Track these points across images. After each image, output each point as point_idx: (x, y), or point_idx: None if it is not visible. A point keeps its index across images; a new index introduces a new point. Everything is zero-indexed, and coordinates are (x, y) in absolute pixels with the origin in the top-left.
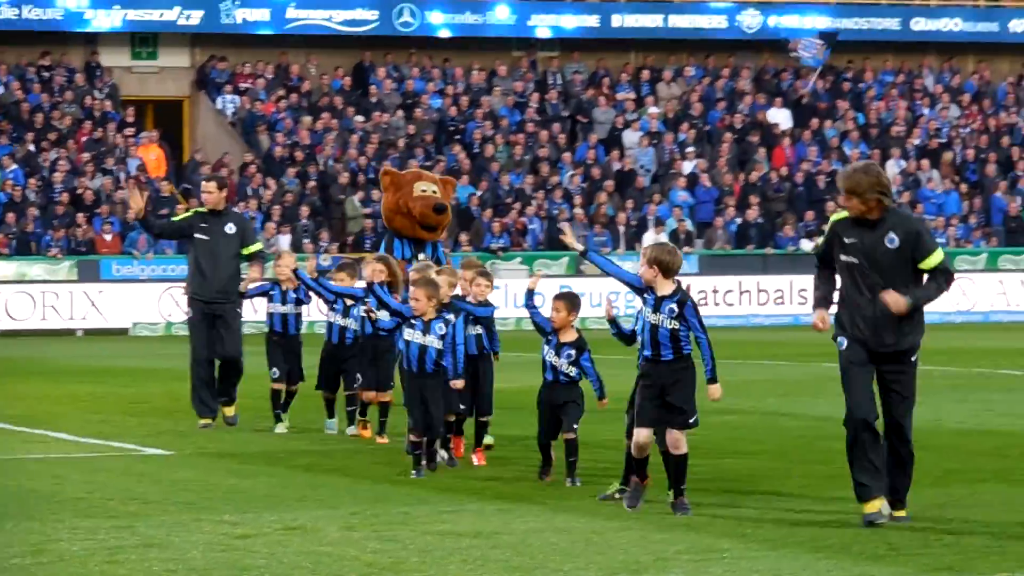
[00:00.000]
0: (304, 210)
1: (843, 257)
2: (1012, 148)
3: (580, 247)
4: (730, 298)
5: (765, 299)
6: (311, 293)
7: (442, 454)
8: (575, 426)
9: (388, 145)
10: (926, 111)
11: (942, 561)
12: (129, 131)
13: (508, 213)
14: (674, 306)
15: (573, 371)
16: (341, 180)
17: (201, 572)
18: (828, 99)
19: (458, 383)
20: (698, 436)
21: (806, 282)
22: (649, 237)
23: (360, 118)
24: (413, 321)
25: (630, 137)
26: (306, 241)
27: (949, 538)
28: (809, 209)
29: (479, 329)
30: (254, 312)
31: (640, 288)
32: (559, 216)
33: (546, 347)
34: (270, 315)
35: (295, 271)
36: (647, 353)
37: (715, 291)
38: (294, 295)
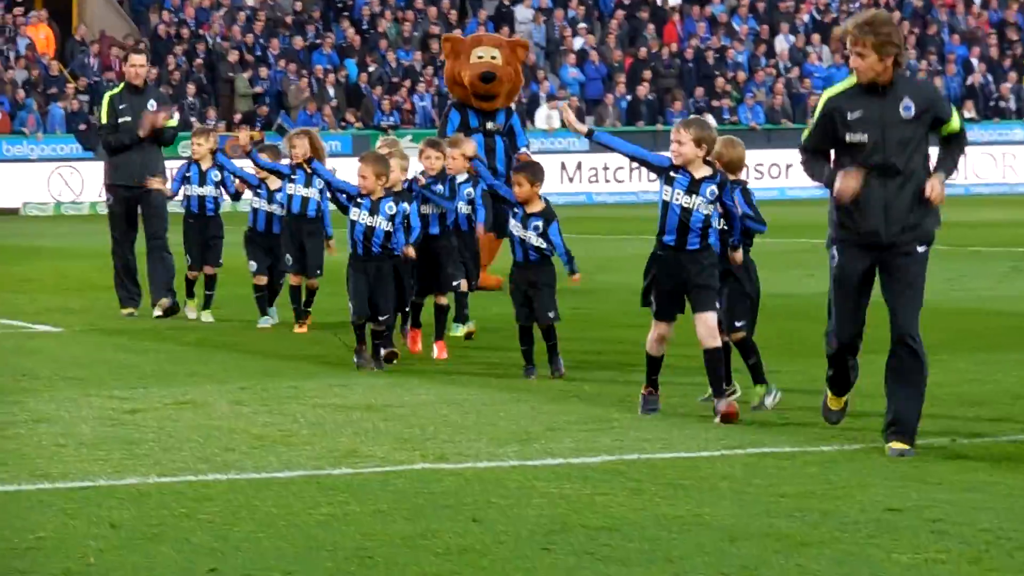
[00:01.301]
0: (191, 88)
1: (849, 136)
2: (903, 22)
3: (583, 127)
4: (620, 175)
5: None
6: (233, 176)
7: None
8: (550, 314)
9: (276, 23)
10: None
11: (829, 432)
12: (18, 10)
13: (398, 91)
14: (714, 188)
15: (543, 244)
16: (230, 58)
17: (91, 446)
18: None
19: (409, 250)
20: (591, 309)
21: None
22: (542, 113)
23: None
24: (360, 200)
25: (521, 13)
26: (192, 119)
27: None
28: (699, 85)
29: (430, 208)
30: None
31: (664, 168)
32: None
33: (512, 220)
34: (187, 197)
35: (214, 152)
36: (668, 239)
37: (606, 168)
38: (214, 176)
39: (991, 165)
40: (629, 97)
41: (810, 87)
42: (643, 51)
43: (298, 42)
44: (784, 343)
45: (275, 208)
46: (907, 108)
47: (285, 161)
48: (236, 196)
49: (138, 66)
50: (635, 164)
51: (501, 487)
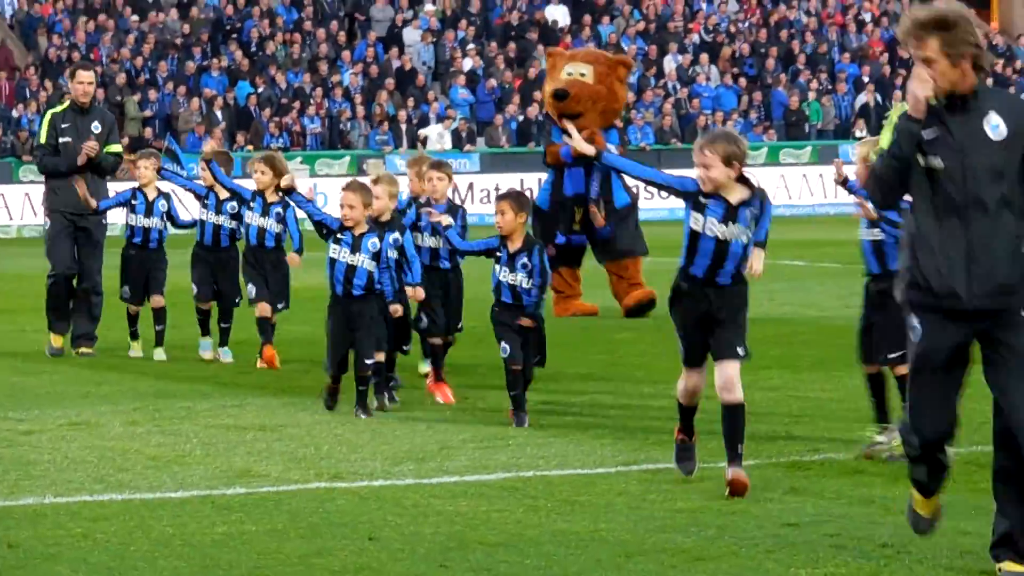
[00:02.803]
0: None
1: (924, 161)
2: (792, 42)
3: (590, 149)
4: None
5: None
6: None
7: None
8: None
9: (165, 45)
10: (704, 5)
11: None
12: None
13: (288, 113)
14: (755, 210)
15: (534, 284)
16: (118, 81)
17: None
18: None
19: (418, 292)
20: (485, 325)
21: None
22: (434, 131)
23: (135, 18)
24: (340, 236)
25: (410, 35)
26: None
27: None
28: None
29: (440, 242)
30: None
31: (692, 193)
32: (340, 115)
33: (497, 266)
34: (130, 227)
35: (159, 170)
36: (696, 271)
37: (497, 189)
38: (161, 206)
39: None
40: (520, 118)
41: (699, 107)
42: (532, 71)
43: (188, 66)
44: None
45: (223, 220)
46: (994, 127)
47: (247, 183)
48: (186, 225)
49: (86, 83)
50: (653, 189)
51: (397, 505)
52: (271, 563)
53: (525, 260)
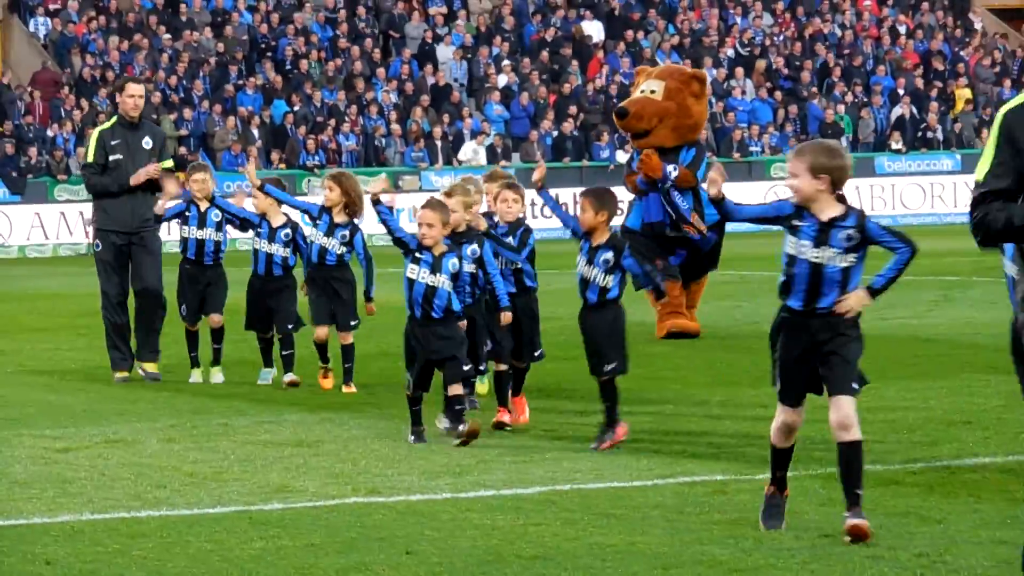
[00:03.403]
0: None
1: None
2: (827, 55)
3: (718, 192)
4: (548, 211)
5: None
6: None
7: (443, 423)
8: (608, 367)
9: (199, 64)
10: (739, 20)
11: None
12: None
13: (323, 130)
14: (852, 230)
15: (610, 281)
16: (154, 100)
17: (23, 485)
18: (640, 10)
19: (507, 315)
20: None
21: (621, 193)
22: (468, 149)
23: (169, 36)
24: (419, 255)
25: (443, 52)
26: None
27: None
28: None
29: (518, 264)
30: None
31: (787, 216)
32: (375, 131)
33: (580, 258)
34: (184, 240)
35: (211, 198)
36: (795, 303)
37: (533, 204)
38: (214, 216)
39: (919, 195)
40: (555, 133)
41: (734, 121)
42: (567, 87)
43: (225, 86)
44: (711, 371)
45: (277, 249)
46: None
47: (314, 199)
48: (244, 226)
49: (136, 97)
50: (763, 225)
51: (434, 519)
52: None
53: (608, 256)
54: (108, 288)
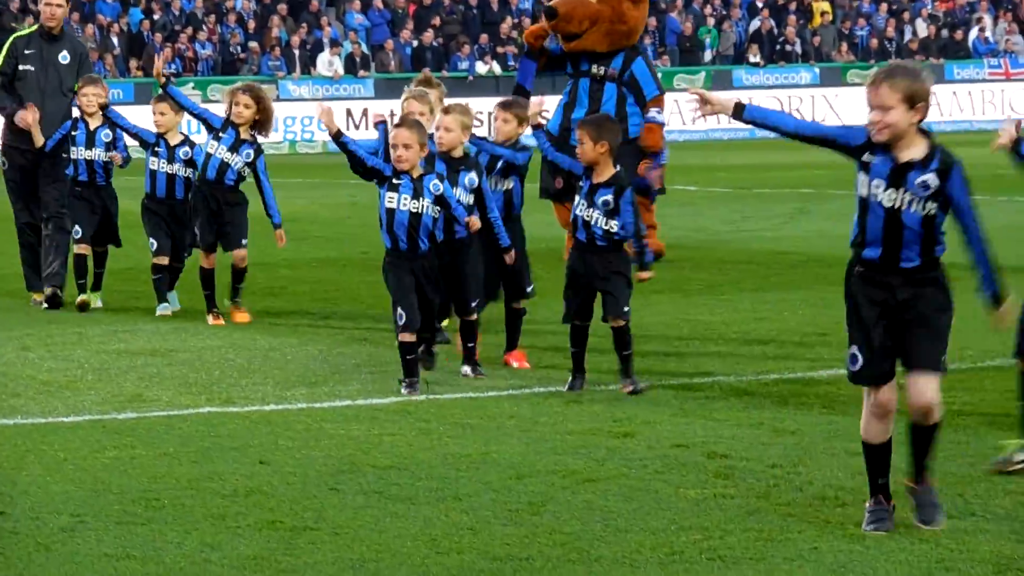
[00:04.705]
0: None
1: None
2: None
3: (728, 102)
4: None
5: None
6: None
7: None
8: (625, 309)
9: None
10: None
11: (614, 371)
12: None
13: (179, 38)
14: (931, 176)
15: (614, 226)
16: (12, 6)
17: None
18: None
19: (511, 255)
20: (379, 253)
21: (483, 104)
22: (323, 59)
23: None
24: (396, 181)
25: None
26: None
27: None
28: (483, 32)
29: (510, 183)
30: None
31: (857, 147)
32: (231, 39)
33: (577, 197)
34: (73, 162)
35: (104, 106)
36: (870, 253)
37: (392, 114)
38: (104, 136)
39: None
40: (414, 43)
41: None
42: None
43: None
44: None
45: (178, 168)
46: None
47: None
48: (125, 162)
49: (54, 5)
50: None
51: (288, 429)
52: (162, 487)
53: (608, 197)
54: (17, 212)
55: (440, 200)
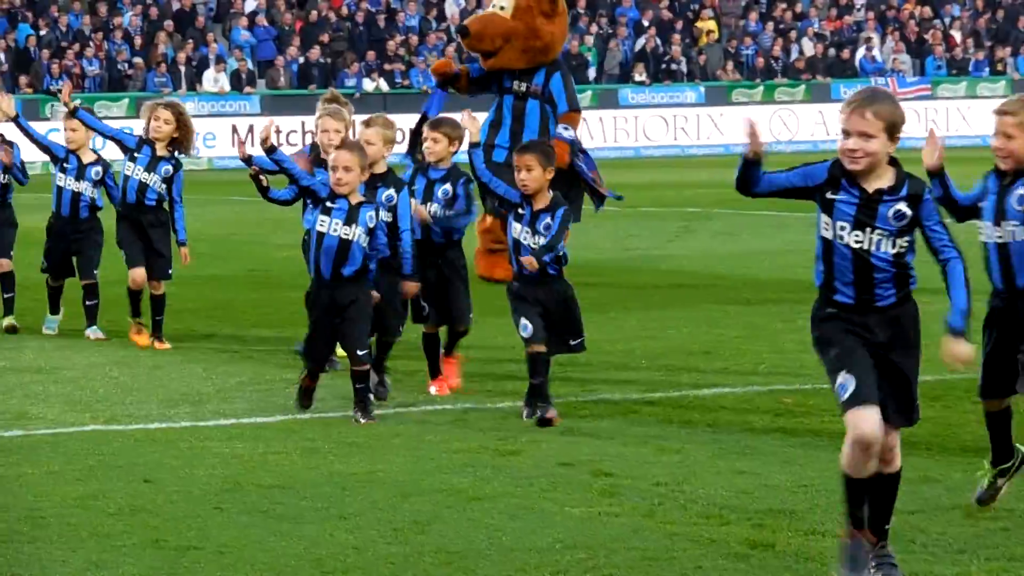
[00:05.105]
0: None
1: None
2: None
3: (758, 149)
4: (294, 138)
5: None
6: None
7: (375, 384)
8: (581, 339)
9: None
10: None
11: (500, 389)
12: None
13: (66, 55)
14: (903, 205)
15: (560, 249)
16: None
17: None
18: None
19: (412, 286)
20: (266, 270)
21: None
22: (210, 76)
23: None
24: (331, 204)
25: None
26: None
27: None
28: (370, 49)
29: (434, 207)
30: None
31: (819, 186)
32: (118, 56)
33: (515, 224)
34: None
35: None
36: (845, 298)
37: (278, 131)
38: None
39: (662, 128)
40: (301, 60)
41: None
42: (313, 14)
43: None
44: None
45: (86, 188)
46: None
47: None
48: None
49: None
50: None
51: (173, 448)
52: (48, 504)
53: (548, 221)
54: None
55: (371, 232)
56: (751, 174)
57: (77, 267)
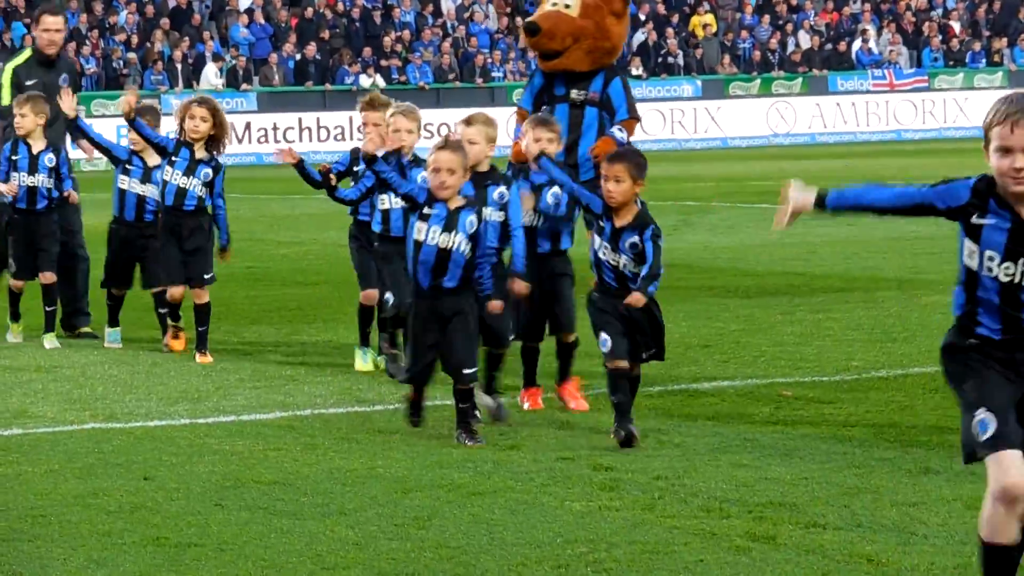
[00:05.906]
0: None
1: None
2: None
3: (808, 198)
4: (291, 135)
5: (326, 135)
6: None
7: (486, 401)
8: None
9: None
10: None
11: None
12: None
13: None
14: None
15: (643, 270)
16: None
17: None
18: None
19: (523, 284)
20: (265, 267)
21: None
22: (208, 73)
23: None
24: (429, 211)
25: None
26: None
27: None
28: (366, 45)
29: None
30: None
31: (962, 207)
32: (113, 54)
33: (596, 238)
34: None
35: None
36: (990, 332)
37: (275, 128)
38: (48, 161)
39: (660, 121)
40: (297, 56)
41: (477, 46)
42: (309, 11)
43: None
44: None
45: (149, 190)
46: None
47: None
48: (62, 196)
49: (53, 31)
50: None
51: (172, 445)
52: (48, 503)
53: (635, 241)
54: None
55: (474, 238)
56: (830, 213)
57: (142, 273)
